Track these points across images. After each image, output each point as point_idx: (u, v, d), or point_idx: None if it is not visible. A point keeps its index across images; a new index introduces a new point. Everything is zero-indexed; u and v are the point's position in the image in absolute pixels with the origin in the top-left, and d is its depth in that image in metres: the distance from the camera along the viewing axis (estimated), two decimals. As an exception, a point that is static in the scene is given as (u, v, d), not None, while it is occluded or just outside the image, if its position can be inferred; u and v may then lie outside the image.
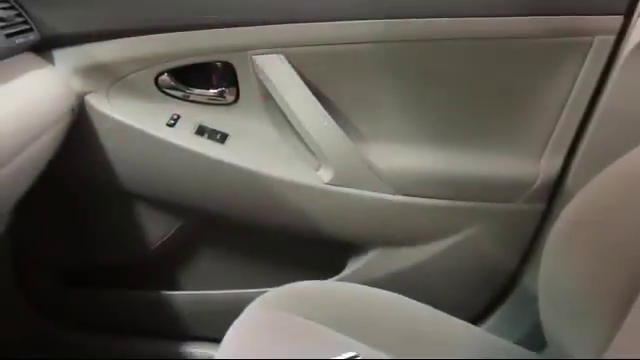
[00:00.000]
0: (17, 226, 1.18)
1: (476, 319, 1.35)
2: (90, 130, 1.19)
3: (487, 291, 1.35)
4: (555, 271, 0.95)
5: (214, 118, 1.22)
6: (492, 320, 1.37)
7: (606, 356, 0.82)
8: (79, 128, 1.17)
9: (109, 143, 1.20)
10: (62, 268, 1.40)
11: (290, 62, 1.14)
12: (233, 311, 1.02)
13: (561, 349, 0.92)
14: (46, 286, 1.37)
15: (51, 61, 1.16)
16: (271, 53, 1.14)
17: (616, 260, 0.82)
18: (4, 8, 1.05)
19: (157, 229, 1.32)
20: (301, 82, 1.15)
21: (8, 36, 1.02)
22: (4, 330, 1.34)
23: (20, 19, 1.07)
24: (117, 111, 1.18)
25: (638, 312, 0.76)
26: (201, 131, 1.21)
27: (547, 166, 1.21)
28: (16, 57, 1.05)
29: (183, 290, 1.40)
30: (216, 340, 1.07)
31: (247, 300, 1.05)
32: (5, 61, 1.00)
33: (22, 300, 1.33)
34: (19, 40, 1.04)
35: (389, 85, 1.19)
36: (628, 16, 1.07)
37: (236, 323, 1.00)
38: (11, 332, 1.35)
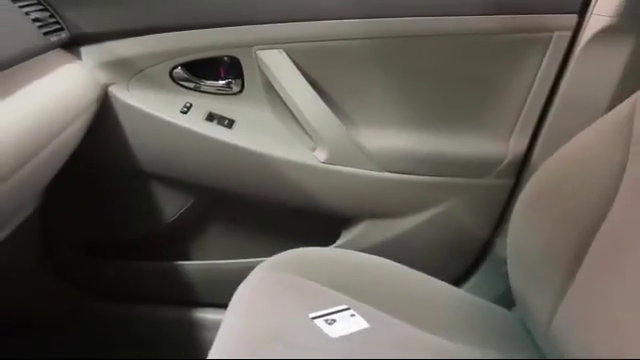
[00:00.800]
0: (45, 204, 1.24)
1: (457, 281, 1.43)
2: (113, 117, 1.26)
3: (465, 256, 1.44)
4: (520, 237, 1.06)
5: (222, 106, 1.30)
6: (471, 282, 1.45)
7: (561, 307, 0.91)
8: (103, 116, 1.24)
9: (129, 129, 1.27)
10: (86, 241, 1.45)
11: (290, 57, 1.22)
12: (240, 278, 1.09)
13: (526, 303, 1.02)
14: (71, 258, 1.43)
15: (79, 57, 1.23)
16: (273, 49, 1.23)
17: (569, 225, 0.92)
18: (40, 10, 1.14)
19: (171, 206, 1.39)
20: (299, 74, 1.24)
21: (45, 34, 1.11)
22: (34, 299, 1.41)
23: (52, 20, 1.16)
24: (137, 100, 1.26)
25: (587, 267, 0.88)
26: (211, 117, 1.28)
27: (514, 146, 1.30)
28: (50, 53, 1.13)
29: (195, 260, 1.46)
30: (225, 305, 1.14)
31: (252, 268, 1.12)
32: (41, 56, 1.09)
33: (50, 270, 1.39)
34: (53, 38, 1.13)
35: (376, 76, 1.27)
36: (582, 14, 1.17)
37: (244, 283, 1.08)
38: (40, 300, 1.42)
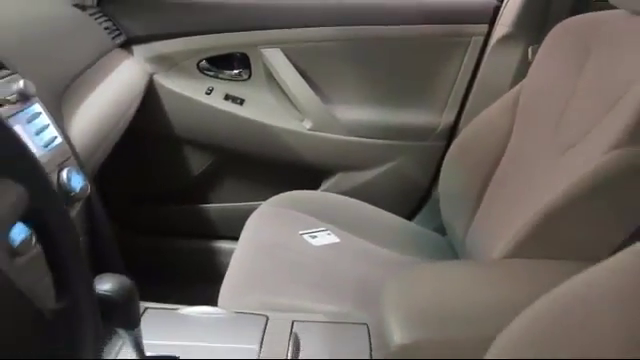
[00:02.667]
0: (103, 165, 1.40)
1: (407, 217, 1.60)
2: (156, 98, 1.51)
3: (412, 198, 1.66)
4: (447, 181, 1.31)
5: (235, 89, 1.55)
6: (417, 217, 1.66)
7: (471, 227, 1.14)
8: (149, 97, 1.47)
9: (167, 106, 1.52)
10: (132, 192, 1.64)
11: (285, 53, 1.49)
12: (246, 216, 1.31)
13: (451, 228, 1.26)
14: (121, 205, 1.61)
15: (132, 53, 1.49)
16: (273, 47, 1.49)
17: (477, 170, 1.18)
18: (106, 20, 1.41)
19: (197, 163, 1.62)
20: (291, 66, 1.49)
21: (112, 39, 1.38)
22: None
23: (114, 27, 1.43)
24: (173, 85, 1.51)
25: (487, 198, 1.14)
26: (227, 97, 1.53)
27: (445, 118, 1.55)
28: (114, 51, 1.39)
29: (213, 203, 1.68)
30: (236, 238, 1.30)
31: (256, 208, 1.34)
32: (109, 54, 1.35)
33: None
34: (116, 40, 1.40)
35: (347, 68, 1.53)
36: (491, 24, 1.45)
37: (253, 215, 1.31)
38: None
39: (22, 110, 0.80)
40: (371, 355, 0.85)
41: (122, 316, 0.67)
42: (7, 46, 0.90)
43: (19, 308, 0.44)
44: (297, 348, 0.85)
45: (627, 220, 0.84)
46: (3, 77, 0.82)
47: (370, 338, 0.89)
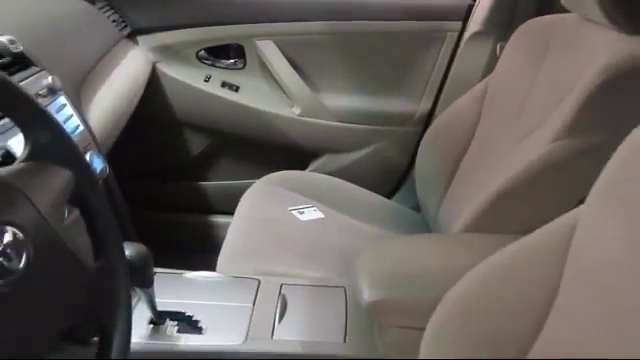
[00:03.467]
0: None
1: (387, 195, 1.69)
2: (158, 84, 1.59)
3: (392, 179, 1.73)
4: (422, 163, 1.39)
5: (231, 77, 1.63)
6: (397, 196, 1.74)
7: (442, 203, 1.24)
8: (151, 83, 1.55)
9: (169, 92, 1.61)
10: (137, 171, 1.70)
11: (277, 45, 1.57)
12: (241, 193, 1.39)
13: (425, 206, 1.35)
14: (127, 182, 1.60)
15: (137, 43, 1.57)
16: (266, 40, 1.57)
17: (448, 153, 1.27)
18: (114, 13, 1.49)
19: (196, 144, 1.71)
20: (283, 57, 1.58)
21: (119, 30, 1.47)
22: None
23: (121, 19, 1.52)
24: (174, 73, 1.60)
25: (458, 177, 1.23)
26: (224, 84, 1.62)
27: (422, 106, 1.63)
28: (121, 42, 1.48)
29: (211, 181, 1.77)
30: (231, 212, 1.36)
31: (249, 186, 1.41)
32: (117, 45, 1.44)
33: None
34: (123, 32, 1.50)
35: (334, 59, 1.61)
36: (465, 22, 1.53)
37: (247, 192, 1.39)
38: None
39: (51, 103, 0.90)
40: (347, 312, 0.99)
41: (140, 277, 0.81)
42: (35, 44, 0.99)
43: (70, 263, 0.57)
44: (285, 307, 0.99)
45: (564, 202, 0.94)
46: (33, 74, 0.92)
47: (347, 299, 1.02)
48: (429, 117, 1.65)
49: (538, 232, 0.69)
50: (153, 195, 1.76)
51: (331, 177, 1.54)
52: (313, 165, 1.74)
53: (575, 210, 0.66)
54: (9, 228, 0.48)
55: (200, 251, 1.39)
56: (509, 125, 1.14)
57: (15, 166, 0.56)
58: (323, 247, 1.23)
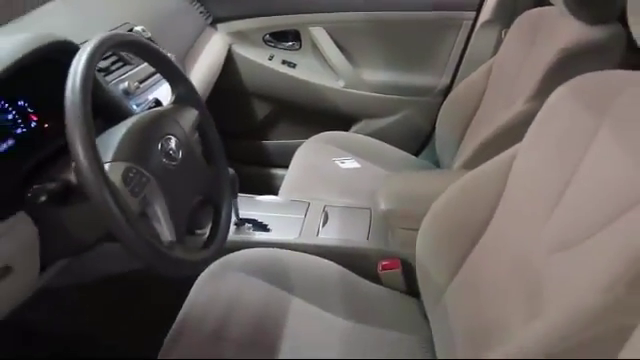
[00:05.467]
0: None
1: (415, 152, 1.89)
2: (233, 62, 1.87)
3: (418, 139, 1.92)
4: (441, 126, 1.64)
5: (290, 56, 1.89)
6: (422, 154, 1.93)
7: (455, 156, 1.57)
8: (228, 62, 1.83)
9: (241, 68, 1.89)
10: (218, 131, 1.88)
11: (326, 31, 1.81)
12: (295, 149, 1.63)
13: (442, 158, 1.58)
14: None
15: (216, 30, 1.87)
16: (317, 27, 1.82)
17: (460, 117, 1.52)
18: (200, 6, 1.80)
19: (261, 110, 1.99)
20: (331, 41, 1.82)
21: (205, 19, 1.79)
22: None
23: (205, 10, 1.82)
24: (246, 53, 1.88)
25: (468, 135, 1.51)
26: (284, 62, 1.88)
27: (443, 80, 1.83)
28: (205, 29, 1.79)
29: (272, 140, 2.03)
30: (286, 166, 1.58)
31: (302, 144, 1.65)
32: (204, 32, 1.75)
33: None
34: (207, 21, 1.81)
35: (372, 42, 1.83)
36: (478, 12, 1.74)
37: (300, 147, 1.64)
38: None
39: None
40: (370, 223, 1.32)
41: (231, 188, 1.17)
42: (156, 32, 1.34)
43: (199, 162, 0.94)
44: (326, 219, 1.33)
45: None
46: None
47: (371, 216, 1.35)
48: (448, 89, 1.82)
49: (491, 161, 1.00)
50: (226, 151, 2.01)
51: (368, 137, 1.77)
52: (354, 128, 1.95)
53: (516, 145, 0.96)
54: (172, 137, 0.86)
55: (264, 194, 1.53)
56: (504, 95, 1.37)
57: (168, 106, 0.94)
58: (357, 186, 1.50)
